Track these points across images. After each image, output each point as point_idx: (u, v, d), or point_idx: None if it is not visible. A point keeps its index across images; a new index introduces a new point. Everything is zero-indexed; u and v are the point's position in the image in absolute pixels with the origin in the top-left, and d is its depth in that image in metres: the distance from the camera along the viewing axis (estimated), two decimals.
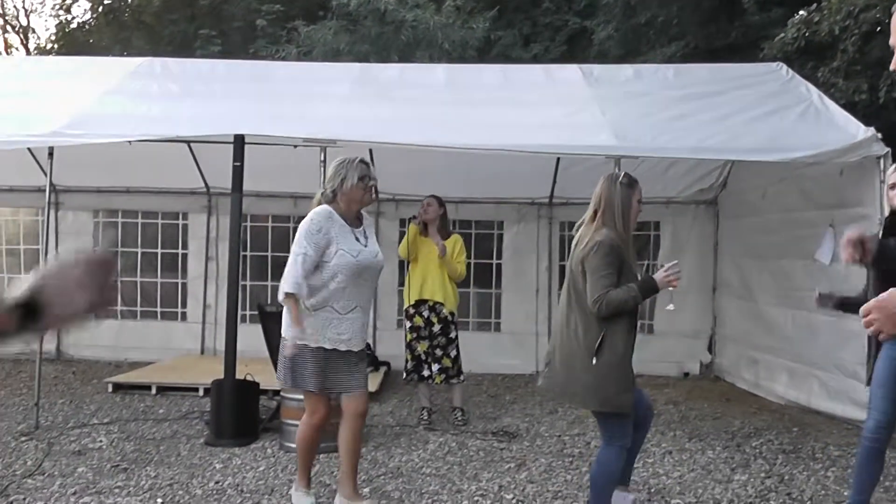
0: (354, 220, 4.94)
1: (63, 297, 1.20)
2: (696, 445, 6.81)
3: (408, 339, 7.50)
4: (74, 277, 1.22)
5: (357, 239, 4.86)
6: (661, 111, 8.08)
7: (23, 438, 6.77)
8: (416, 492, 5.47)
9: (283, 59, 14.04)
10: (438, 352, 7.40)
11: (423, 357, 7.41)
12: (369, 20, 14.53)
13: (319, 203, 4.94)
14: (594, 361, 4.32)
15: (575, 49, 15.52)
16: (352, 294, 4.82)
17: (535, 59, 13.81)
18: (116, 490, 5.42)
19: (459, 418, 7.46)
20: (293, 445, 6.29)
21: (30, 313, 1.17)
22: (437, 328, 7.39)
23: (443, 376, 7.39)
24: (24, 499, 5.23)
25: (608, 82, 8.99)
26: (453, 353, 7.44)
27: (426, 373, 7.41)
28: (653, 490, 5.60)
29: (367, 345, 9.68)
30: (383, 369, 9.64)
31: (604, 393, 4.35)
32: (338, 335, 4.81)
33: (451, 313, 7.45)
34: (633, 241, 4.77)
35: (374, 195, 5.01)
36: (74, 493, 5.34)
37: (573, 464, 6.18)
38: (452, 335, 7.46)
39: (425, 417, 7.44)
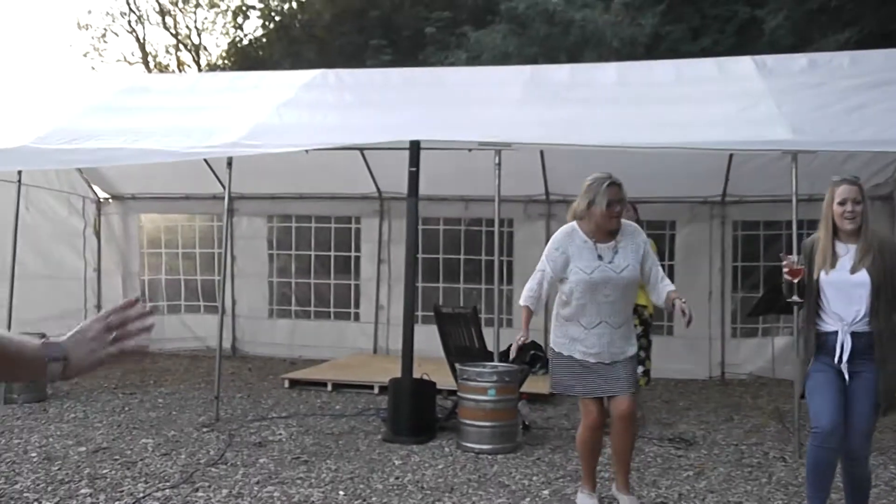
0: (604, 236, 4.99)
1: (80, 346, 1.48)
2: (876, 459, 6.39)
3: None
4: (90, 336, 1.50)
5: (599, 256, 4.93)
6: (838, 102, 7.66)
7: (204, 429, 7.13)
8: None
9: (453, 64, 14.20)
10: (641, 353, 7.29)
11: None
12: (538, 22, 14.51)
13: (574, 215, 5.09)
14: None
15: (745, 40, 14.97)
16: (592, 310, 4.94)
17: (704, 53, 13.40)
18: (298, 481, 5.61)
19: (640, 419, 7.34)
20: (471, 445, 6.41)
21: (55, 359, 1.45)
22: (639, 330, 7.28)
23: (646, 378, 7.29)
24: (209, 486, 5.48)
25: (782, 73, 8.61)
26: (651, 355, 7.37)
27: None
28: None
29: (539, 346, 9.81)
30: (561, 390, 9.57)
31: None
32: (586, 349, 4.97)
33: (651, 315, 7.36)
34: None
35: (620, 221, 4.99)
36: (258, 483, 5.55)
37: (752, 474, 5.96)
38: (651, 337, 7.38)
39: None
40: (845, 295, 4.43)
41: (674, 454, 6.51)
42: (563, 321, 5.07)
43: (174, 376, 9.92)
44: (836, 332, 4.42)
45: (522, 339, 5.06)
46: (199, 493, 5.31)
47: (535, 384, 8.39)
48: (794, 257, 4.60)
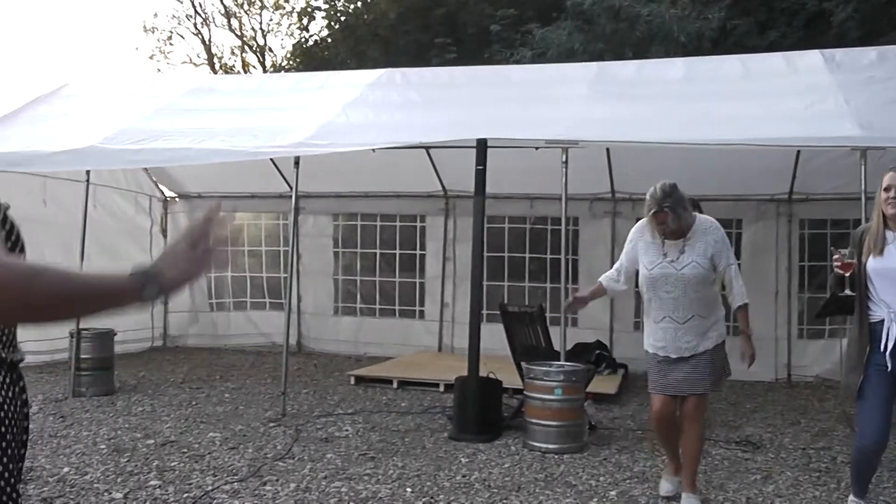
0: (672, 234, 5.05)
1: (171, 266, 1.51)
2: None
3: None
4: (179, 252, 1.53)
5: (665, 253, 5.05)
6: None
7: (271, 424, 7.22)
8: (664, 498, 5.35)
9: (518, 62, 14.15)
10: None
11: None
12: (603, 18, 14.38)
13: None
14: None
15: (813, 33, 14.68)
16: (657, 305, 5.12)
17: (772, 47, 13.14)
18: (366, 477, 5.65)
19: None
20: (537, 444, 6.41)
21: (148, 280, 1.47)
22: None
23: None
24: (277, 480, 5.55)
25: (851, 67, 8.40)
26: None
27: None
28: None
29: (605, 346, 9.75)
30: (621, 372, 9.52)
31: None
32: (655, 342, 5.14)
33: None
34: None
35: (667, 226, 5.01)
36: (325, 478, 5.61)
37: (821, 479, 5.84)
38: None
39: None
40: (891, 282, 4.43)
41: (741, 457, 6.42)
42: (644, 316, 5.34)
43: (240, 372, 10.08)
44: (883, 321, 4.42)
45: (577, 293, 5.56)
46: (268, 487, 5.38)
47: (601, 384, 8.36)
48: (845, 251, 4.62)
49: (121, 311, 1.50)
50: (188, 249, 1.53)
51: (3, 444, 1.55)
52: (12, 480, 1.57)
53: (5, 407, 1.53)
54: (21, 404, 1.61)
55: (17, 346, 1.66)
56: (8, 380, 1.58)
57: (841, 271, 4.53)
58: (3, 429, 1.55)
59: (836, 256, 4.58)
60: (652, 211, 4.97)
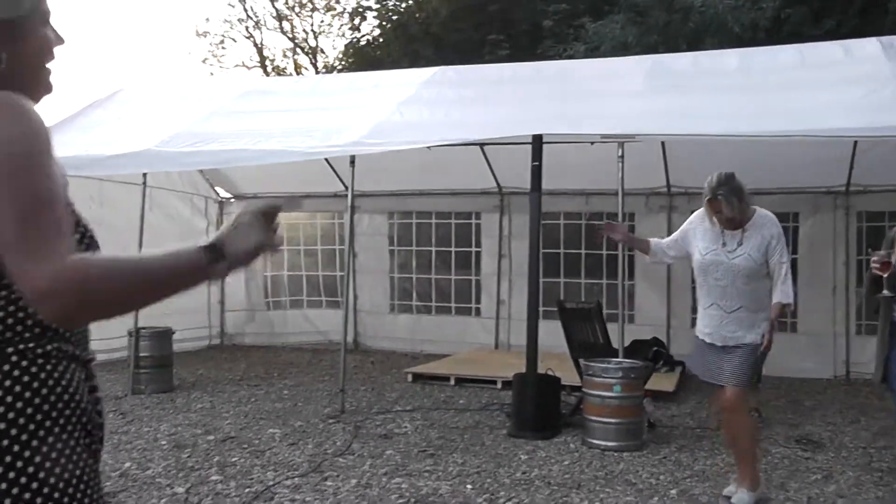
0: (728, 223, 5.09)
1: (236, 240, 1.54)
2: None
3: None
4: (244, 225, 1.57)
5: (724, 242, 5.11)
6: None
7: (330, 421, 7.30)
8: (724, 497, 5.29)
9: (571, 57, 14.04)
10: None
11: None
12: (657, 10, 14.23)
13: None
14: None
15: (867, 20, 14.36)
16: (706, 291, 5.20)
17: (827, 35, 12.89)
18: (426, 474, 5.68)
19: (758, 419, 7.15)
20: (597, 442, 6.39)
21: (216, 256, 1.50)
22: None
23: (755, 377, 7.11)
24: (338, 476, 5.61)
25: None
26: None
27: None
28: None
29: (662, 343, 9.66)
30: (678, 369, 9.41)
31: None
32: (703, 327, 5.22)
33: None
34: None
35: (722, 214, 5.05)
36: (385, 474, 5.65)
37: (883, 479, 5.74)
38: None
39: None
40: None
41: (801, 456, 6.33)
42: (697, 302, 5.41)
43: (298, 369, 10.18)
44: None
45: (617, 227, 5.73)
46: (329, 483, 5.44)
47: (659, 381, 8.28)
48: (882, 252, 4.64)
49: (193, 288, 1.52)
50: (250, 226, 1.57)
51: (87, 440, 1.58)
52: (95, 479, 1.60)
53: (82, 405, 1.57)
54: (95, 402, 1.64)
55: (88, 345, 1.70)
56: (83, 376, 1.61)
57: (879, 272, 4.54)
58: (87, 425, 1.58)
59: (874, 258, 4.60)
60: (707, 198, 5.05)
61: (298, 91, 10.46)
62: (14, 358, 1.48)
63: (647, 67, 8.88)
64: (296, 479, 5.51)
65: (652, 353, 9.30)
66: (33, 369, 1.49)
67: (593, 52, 14.46)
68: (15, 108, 1.44)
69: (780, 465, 6.07)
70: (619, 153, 7.04)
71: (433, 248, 11.90)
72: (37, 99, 1.59)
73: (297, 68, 28.84)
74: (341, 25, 28.21)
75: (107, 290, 1.39)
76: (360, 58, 23.34)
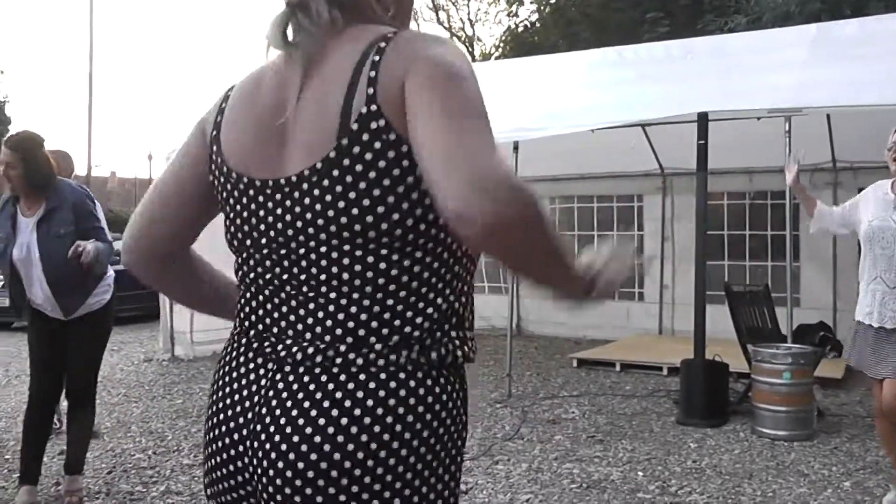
0: None
1: (608, 270, 1.41)
2: None
3: None
4: (614, 259, 1.43)
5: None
6: None
7: (497, 405, 7.40)
8: None
9: (733, 30, 13.65)
10: None
11: None
12: None
13: None
14: None
15: None
16: (870, 263, 4.69)
17: None
18: (596, 459, 5.70)
19: None
20: (767, 431, 6.24)
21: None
22: None
23: None
24: (508, 459, 5.70)
25: None
26: None
27: None
28: None
29: (828, 328, 9.30)
30: (847, 355, 9.05)
31: None
32: (862, 308, 4.70)
33: None
34: None
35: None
36: (556, 459, 5.70)
37: None
38: None
39: None
40: None
41: None
42: (859, 280, 4.84)
43: None
44: None
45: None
46: (500, 466, 5.54)
47: (826, 368, 7.87)
48: None
49: (568, 289, 1.36)
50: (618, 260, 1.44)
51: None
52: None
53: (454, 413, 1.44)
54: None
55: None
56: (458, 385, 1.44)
57: None
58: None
59: None
60: (888, 148, 4.59)
61: None
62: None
63: (812, 36, 8.49)
64: (467, 462, 5.59)
65: (819, 339, 9.01)
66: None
67: (755, 23, 13.96)
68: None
69: None
70: (787, 128, 6.79)
71: (595, 233, 11.81)
72: None
73: None
74: (498, 13, 28.31)
75: (536, 225, 1.16)
76: (518, 44, 23.38)
